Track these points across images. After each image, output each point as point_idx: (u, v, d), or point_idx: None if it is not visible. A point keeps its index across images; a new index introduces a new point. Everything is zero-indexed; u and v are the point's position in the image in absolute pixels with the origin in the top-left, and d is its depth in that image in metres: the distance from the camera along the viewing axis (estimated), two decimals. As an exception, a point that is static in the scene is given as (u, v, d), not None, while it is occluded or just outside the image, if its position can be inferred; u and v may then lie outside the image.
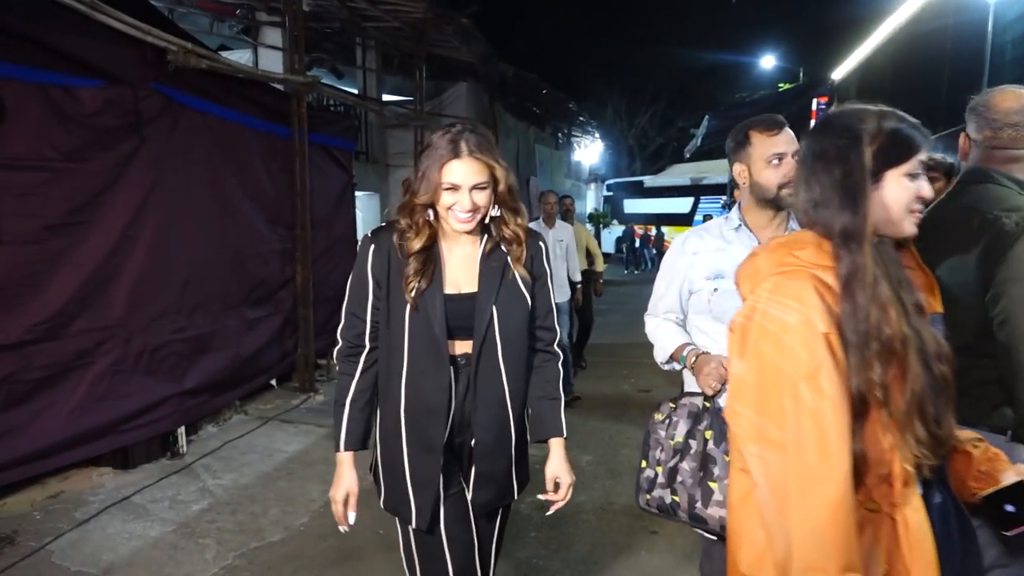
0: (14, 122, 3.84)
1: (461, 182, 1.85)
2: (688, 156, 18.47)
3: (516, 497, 2.10)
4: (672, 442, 2.08)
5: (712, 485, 1.98)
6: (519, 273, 1.98)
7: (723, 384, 2.02)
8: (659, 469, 2.09)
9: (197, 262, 5.14)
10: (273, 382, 6.43)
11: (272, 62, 8.62)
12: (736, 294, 1.95)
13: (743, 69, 28.74)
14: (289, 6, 6.60)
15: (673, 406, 2.12)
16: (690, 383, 2.25)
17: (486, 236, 1.99)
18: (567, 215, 7.22)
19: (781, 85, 23.39)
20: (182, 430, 4.90)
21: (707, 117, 13.76)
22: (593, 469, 4.87)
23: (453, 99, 11.52)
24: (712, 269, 2.25)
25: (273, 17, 8.74)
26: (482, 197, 1.88)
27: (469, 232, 1.94)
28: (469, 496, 2.02)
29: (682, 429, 2.07)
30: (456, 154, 1.85)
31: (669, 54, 29.48)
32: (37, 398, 4.01)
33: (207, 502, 4.19)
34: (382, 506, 2.06)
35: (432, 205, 1.91)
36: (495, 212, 1.96)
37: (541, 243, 2.08)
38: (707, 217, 13.38)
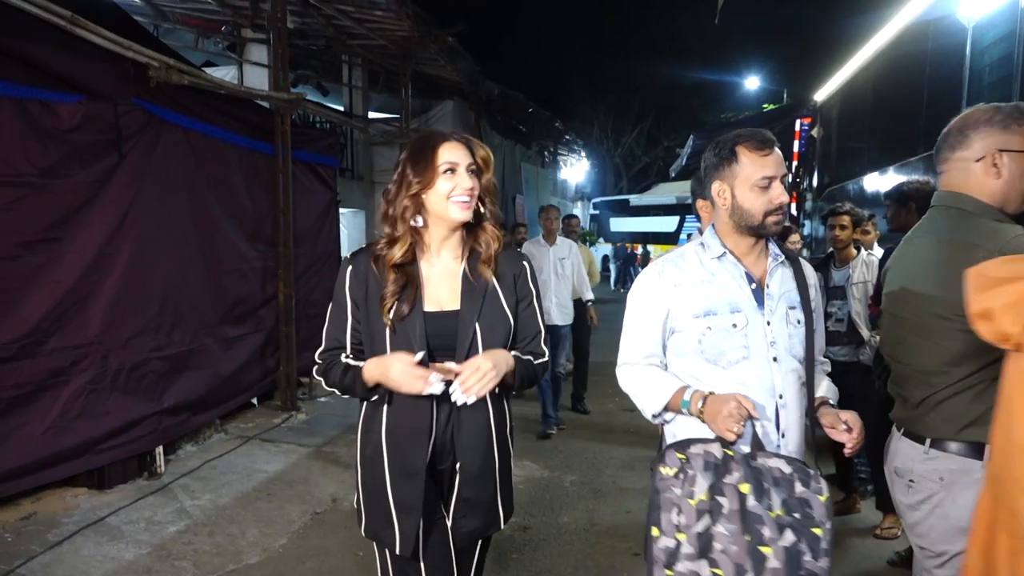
0: (-9, 137, 3.80)
1: (459, 160, 1.87)
2: (673, 175, 18.57)
3: (503, 527, 2.04)
4: (692, 501, 1.77)
5: (764, 550, 1.72)
6: (500, 291, 1.96)
7: (746, 424, 1.77)
8: (681, 536, 1.77)
9: (176, 280, 5.08)
10: (254, 401, 6.35)
11: (258, 79, 8.61)
12: (734, 333, 1.90)
13: (728, 89, 29.07)
14: (274, 23, 6.59)
15: (683, 457, 1.83)
16: (684, 430, 1.96)
17: (468, 252, 1.97)
18: (571, 236, 6.89)
19: (765, 106, 23.61)
20: (160, 450, 4.82)
21: (692, 137, 13.84)
22: (577, 490, 4.83)
23: (439, 117, 11.54)
24: (701, 305, 1.94)
25: (258, 34, 8.73)
26: (475, 181, 1.89)
27: (453, 236, 1.95)
28: (450, 523, 1.96)
29: (703, 484, 1.77)
30: (447, 138, 1.90)
31: (655, 74, 29.79)
32: (10, 417, 3.93)
33: (184, 523, 4.11)
34: (363, 532, 2.01)
35: (419, 207, 1.89)
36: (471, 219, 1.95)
37: (525, 263, 2.05)
38: (690, 236, 13.42)
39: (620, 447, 5.77)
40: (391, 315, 1.87)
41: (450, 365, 1.82)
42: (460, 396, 1.76)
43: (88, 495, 4.38)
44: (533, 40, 30.93)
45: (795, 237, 6.73)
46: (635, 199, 27.08)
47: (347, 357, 1.95)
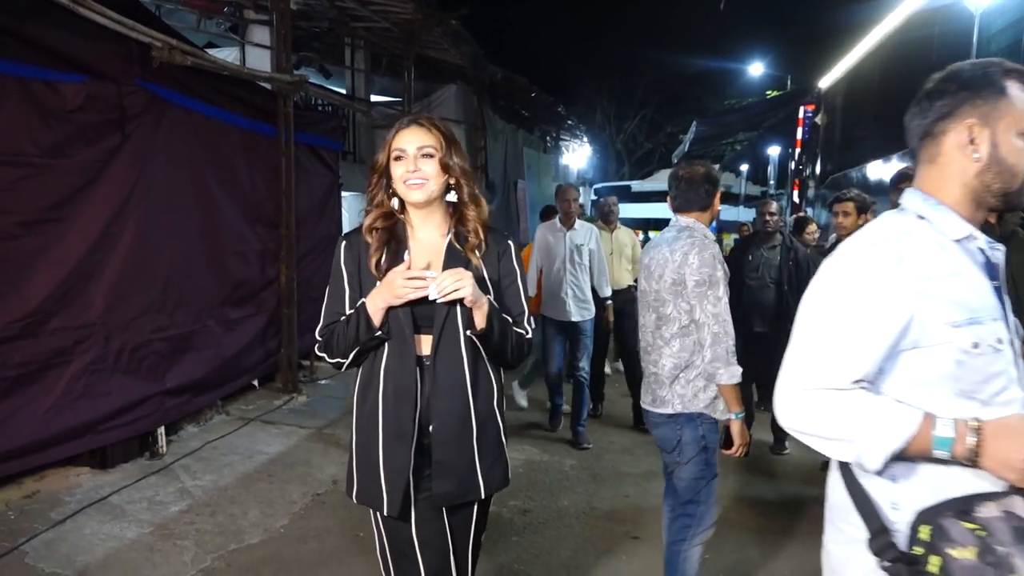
0: (-6, 116, 3.79)
1: (406, 146, 1.97)
2: (676, 161, 18.53)
3: (483, 496, 2.04)
4: None
5: None
6: (483, 269, 2.01)
7: None
8: None
9: (179, 261, 5.08)
10: (255, 382, 6.37)
11: (260, 60, 8.56)
12: (1000, 353, 1.33)
13: (731, 76, 28.92)
14: (277, 4, 6.56)
15: (976, 527, 1.24)
16: (929, 485, 1.32)
17: (454, 229, 2.05)
18: (608, 218, 6.33)
19: (769, 92, 23.52)
20: (162, 430, 4.84)
21: (695, 123, 13.83)
22: (576, 474, 4.86)
23: (442, 100, 11.48)
24: (964, 309, 1.33)
25: (261, 15, 8.67)
26: (429, 165, 1.97)
27: (431, 214, 2.03)
28: (423, 489, 1.99)
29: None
30: (403, 125, 2.01)
31: (658, 60, 29.64)
32: (13, 396, 3.95)
33: (186, 503, 4.14)
34: (354, 498, 2.04)
35: (388, 184, 2.02)
36: (452, 197, 2.03)
37: (510, 242, 2.13)
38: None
39: (619, 432, 5.79)
40: (375, 269, 1.97)
41: (430, 272, 1.89)
42: (434, 292, 1.83)
43: (91, 474, 4.41)
44: (537, 25, 30.77)
45: (812, 227, 6.69)
46: (637, 185, 27.06)
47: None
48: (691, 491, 2.90)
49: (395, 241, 2.02)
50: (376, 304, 1.91)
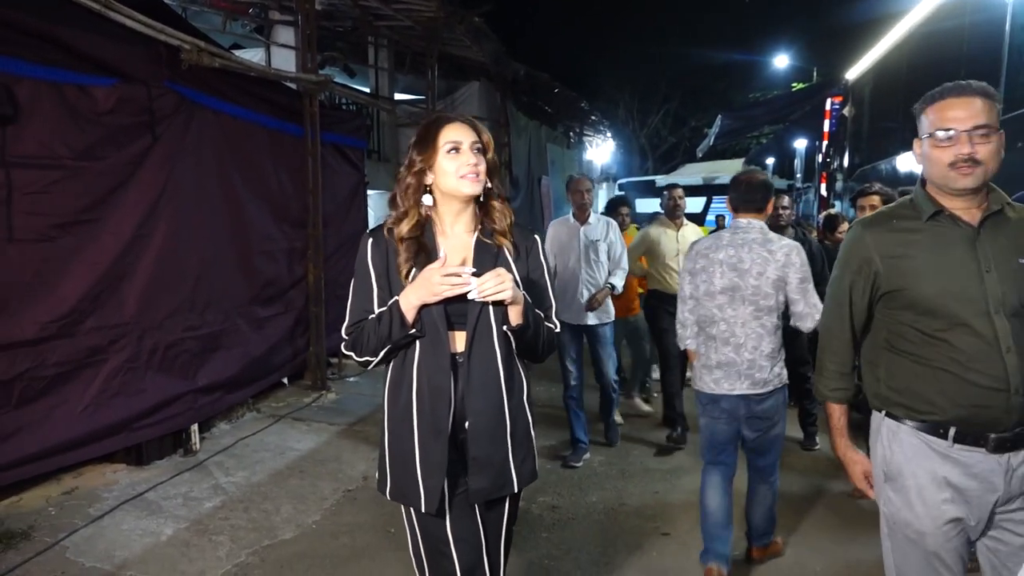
0: (27, 120, 3.86)
1: (461, 138, 1.95)
2: (700, 156, 18.40)
3: (516, 489, 2.07)
4: None
5: None
6: (512, 264, 2.02)
7: None
8: None
9: (209, 260, 5.15)
10: (285, 380, 6.44)
11: (284, 61, 8.64)
12: None
13: (756, 68, 28.58)
14: (302, 5, 6.61)
15: None
16: None
17: (480, 225, 2.04)
18: (675, 213, 5.67)
19: (795, 85, 23.28)
20: (195, 427, 4.92)
21: (720, 117, 13.72)
22: (605, 470, 4.85)
23: (465, 98, 11.51)
24: None
25: (286, 16, 8.75)
26: (480, 158, 1.97)
27: (466, 210, 2.03)
28: (461, 486, 2.01)
29: None
30: (450, 119, 1.99)
31: (681, 53, 29.35)
32: (51, 395, 4.03)
33: (220, 499, 4.20)
34: (388, 495, 2.04)
35: (426, 185, 1.98)
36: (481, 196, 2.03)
37: (536, 237, 2.13)
38: (719, 218, 13.38)
39: (648, 428, 5.77)
40: (408, 279, 1.95)
41: (467, 268, 1.88)
42: (474, 293, 1.84)
43: (127, 471, 4.49)
44: (559, 20, 30.66)
45: (844, 226, 6.51)
46: (661, 180, 26.86)
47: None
48: (779, 446, 3.44)
49: (424, 251, 1.99)
50: (410, 302, 1.90)
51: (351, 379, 6.94)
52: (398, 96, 11.09)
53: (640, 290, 6.09)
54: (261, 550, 3.65)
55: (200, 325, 5.04)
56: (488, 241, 2.03)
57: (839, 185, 12.32)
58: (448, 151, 1.95)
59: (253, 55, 9.17)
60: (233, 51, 7.09)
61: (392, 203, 2.04)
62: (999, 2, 5.30)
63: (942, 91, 1.92)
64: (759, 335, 3.20)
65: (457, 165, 1.95)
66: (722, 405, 3.28)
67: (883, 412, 2.06)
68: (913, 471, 1.97)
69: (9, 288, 3.84)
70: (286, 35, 9.05)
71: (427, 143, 1.97)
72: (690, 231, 5.73)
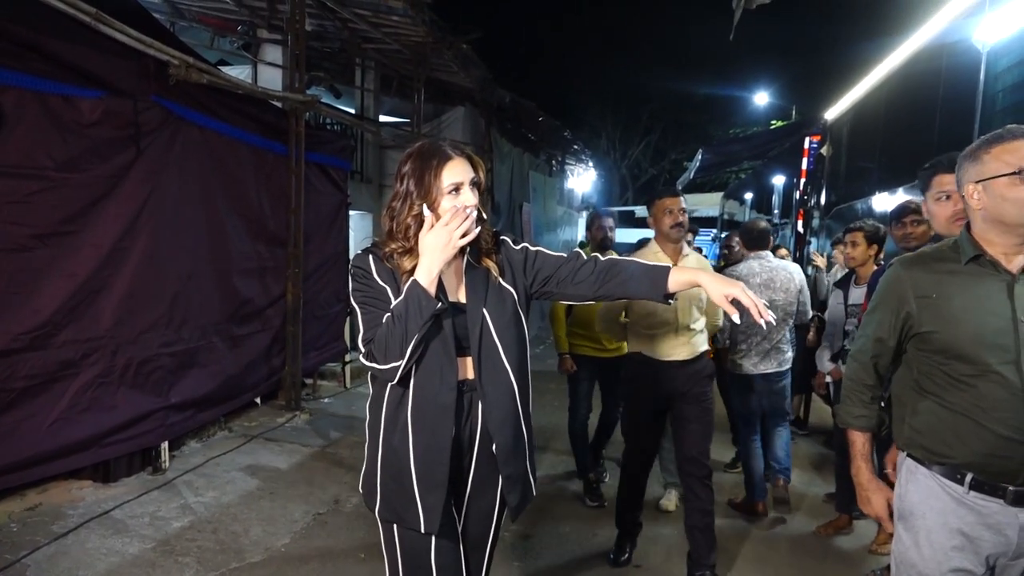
0: (11, 129, 3.82)
1: (462, 179, 1.92)
2: (680, 188, 18.61)
3: (535, 493, 2.12)
4: None
5: None
6: (502, 278, 2.03)
7: None
8: None
9: (187, 276, 5.10)
10: (258, 400, 6.37)
11: (270, 79, 8.66)
12: None
13: (737, 104, 29.11)
14: (291, 25, 6.64)
15: None
16: None
17: (468, 248, 2.01)
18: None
19: (774, 122, 23.67)
20: (165, 445, 4.84)
21: (701, 151, 13.89)
22: (579, 500, 4.84)
23: (450, 122, 11.57)
24: None
25: (274, 35, 8.78)
26: (476, 194, 1.95)
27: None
28: (466, 504, 2.06)
29: None
30: (449, 155, 1.93)
31: (664, 87, 29.83)
32: (19, 408, 3.95)
33: (188, 519, 4.13)
34: (378, 515, 2.01)
35: (421, 220, 1.92)
36: None
37: (504, 236, 2.12)
38: (698, 250, 13.47)
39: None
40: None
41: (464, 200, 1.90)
42: (767, 318, 1.93)
43: (93, 488, 4.40)
44: (545, 50, 31.04)
45: (782, 252, 6.74)
46: (640, 210, 27.13)
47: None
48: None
49: None
50: (432, 271, 1.84)
51: (325, 400, 6.88)
52: (383, 118, 11.13)
53: None
54: (228, 572, 3.59)
55: (175, 341, 4.98)
56: (476, 265, 2.02)
57: (815, 222, 12.50)
58: (450, 192, 1.91)
59: (239, 72, 9.18)
60: (220, 67, 7.09)
61: (388, 238, 1.98)
62: (974, 52, 5.45)
63: (1012, 132, 1.90)
64: (782, 331, 4.64)
65: (456, 205, 1.91)
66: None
67: (905, 452, 2.07)
68: (924, 512, 1.97)
69: (-18, 298, 3.78)
70: (273, 54, 9.08)
71: (428, 184, 1.91)
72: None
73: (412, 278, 1.86)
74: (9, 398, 3.90)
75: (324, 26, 8.58)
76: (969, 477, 1.89)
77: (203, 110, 5.21)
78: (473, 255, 2.03)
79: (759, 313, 1.92)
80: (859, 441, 2.19)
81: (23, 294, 3.96)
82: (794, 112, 21.79)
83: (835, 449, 4.56)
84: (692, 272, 2.05)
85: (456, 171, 1.92)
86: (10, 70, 3.80)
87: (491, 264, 2.02)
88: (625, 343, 4.32)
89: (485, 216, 2.03)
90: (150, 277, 4.69)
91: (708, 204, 23.42)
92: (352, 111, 10.40)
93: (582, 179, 26.21)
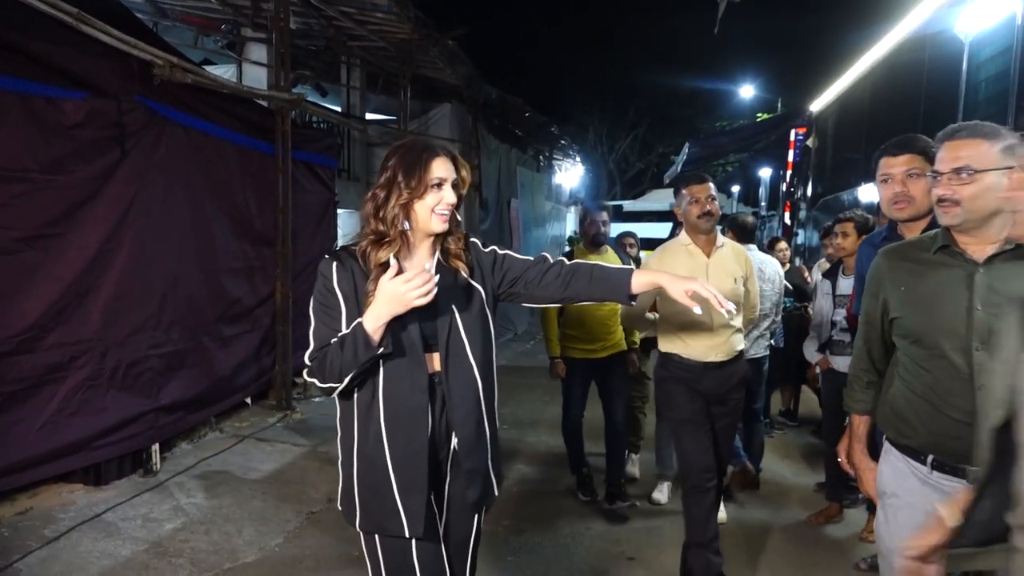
0: (-6, 131, 3.81)
1: (446, 175, 1.96)
2: (667, 182, 18.64)
3: (497, 494, 2.14)
4: None
5: None
6: (472, 278, 2.06)
7: None
8: None
9: (175, 277, 5.08)
10: (249, 400, 6.35)
11: (255, 78, 8.61)
12: None
13: (723, 98, 29.17)
14: (276, 24, 6.61)
15: None
16: None
17: (439, 248, 2.06)
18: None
19: (759, 115, 23.75)
20: (156, 447, 4.83)
21: (687, 144, 13.93)
22: (571, 493, 4.85)
23: (437, 119, 11.54)
24: None
25: (258, 33, 8.73)
26: (456, 196, 1.99)
27: (431, 238, 2.03)
28: (447, 501, 2.07)
29: None
30: (438, 152, 1.98)
31: (651, 81, 29.87)
32: (8, 412, 3.93)
33: (180, 521, 4.12)
34: (358, 527, 2.02)
35: (407, 215, 1.96)
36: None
37: (474, 239, 2.15)
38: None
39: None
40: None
41: (427, 264, 1.90)
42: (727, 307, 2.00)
43: (84, 491, 4.38)
44: (531, 45, 31.02)
45: (782, 244, 6.82)
46: (628, 205, 27.16)
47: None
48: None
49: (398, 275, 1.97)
50: (379, 318, 1.84)
51: (317, 399, 6.87)
52: (370, 116, 11.09)
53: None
54: (222, 573, 3.58)
55: (164, 342, 4.96)
56: (446, 265, 2.04)
57: (803, 214, 12.57)
58: (434, 185, 1.95)
59: (224, 71, 9.12)
60: (204, 67, 7.05)
61: (368, 225, 1.99)
62: (957, 42, 5.49)
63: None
64: (771, 319, 4.84)
65: (437, 200, 1.95)
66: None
67: (884, 433, 2.17)
68: (895, 491, 2.06)
69: (-32, 302, 3.76)
70: (258, 52, 9.02)
71: (417, 176, 1.94)
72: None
73: (359, 321, 1.87)
74: (-2, 402, 3.88)
75: (309, 24, 8.54)
76: (930, 458, 1.98)
77: (188, 110, 5.19)
78: (444, 255, 2.05)
79: (719, 303, 2.01)
80: (856, 423, 2.32)
81: (9, 297, 3.94)
82: (780, 104, 21.89)
83: (824, 439, 4.59)
84: (654, 274, 2.14)
85: (442, 167, 1.97)
86: (-8, 72, 3.77)
87: (460, 264, 2.05)
88: (636, 336, 4.62)
89: (459, 218, 2.07)
90: (137, 278, 4.67)
91: (696, 197, 23.45)
92: (338, 109, 10.36)
93: (570, 174, 26.23)
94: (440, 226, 1.98)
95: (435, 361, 2.00)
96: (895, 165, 2.57)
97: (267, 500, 4.50)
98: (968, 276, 1.93)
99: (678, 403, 3.40)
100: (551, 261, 2.16)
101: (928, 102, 6.05)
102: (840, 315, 4.31)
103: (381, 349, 1.87)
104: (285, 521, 4.22)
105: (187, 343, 5.23)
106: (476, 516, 2.14)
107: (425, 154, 1.96)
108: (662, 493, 4.72)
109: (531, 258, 2.17)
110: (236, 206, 5.96)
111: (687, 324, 3.35)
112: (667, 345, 3.48)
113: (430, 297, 1.82)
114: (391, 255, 1.93)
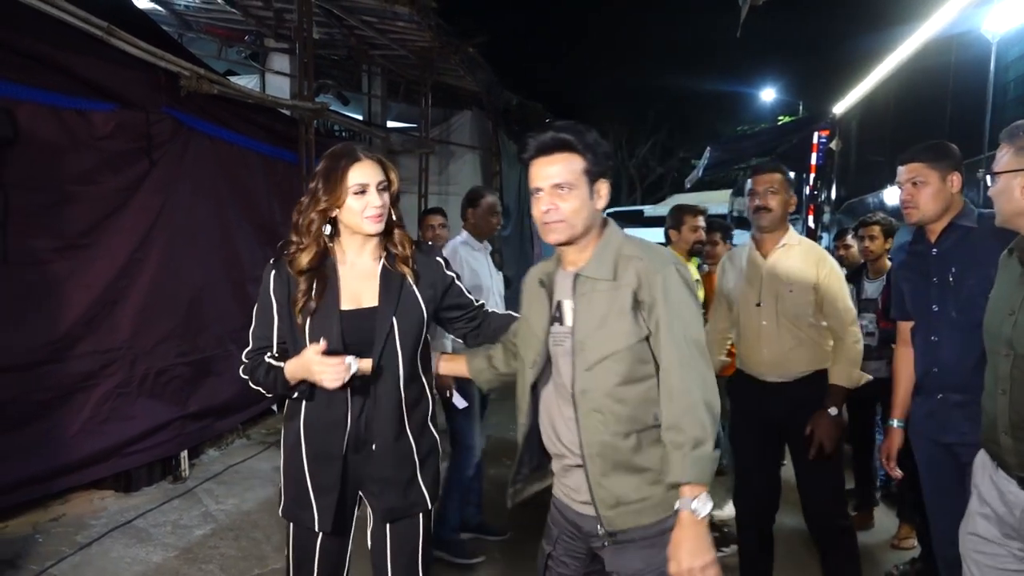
0: (26, 143, 3.87)
1: (368, 180, 1.99)
2: (688, 187, 18.55)
3: (430, 507, 2.16)
4: None
5: None
6: (416, 286, 2.10)
7: None
8: None
9: (202, 286, 5.14)
10: (275, 407, 6.39)
11: (278, 88, 8.69)
12: None
13: (743, 101, 29.03)
14: (299, 34, 6.66)
15: None
16: None
17: (385, 253, 2.10)
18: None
19: (781, 118, 23.60)
20: (184, 454, 4.88)
21: (709, 148, 13.84)
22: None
23: (457, 126, 11.56)
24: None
25: (281, 44, 8.82)
26: (385, 198, 2.03)
27: (370, 240, 2.07)
28: (371, 506, 2.13)
29: None
30: (358, 157, 2.01)
31: (669, 85, 29.76)
32: (41, 420, 4.00)
33: (209, 527, 4.16)
34: (281, 514, 2.15)
35: (329, 218, 2.02)
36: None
37: (438, 259, 2.21)
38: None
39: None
40: (302, 315, 2.01)
41: (350, 358, 1.93)
42: (345, 374, 1.90)
43: (115, 498, 4.44)
44: (550, 51, 31.09)
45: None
46: (649, 210, 27.04)
47: (271, 357, 2.07)
48: None
49: (320, 279, 2.03)
50: (293, 374, 1.98)
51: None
52: (391, 124, 11.15)
53: None
54: (252, 579, 3.61)
55: (192, 350, 5.01)
56: (392, 269, 2.08)
57: (826, 217, 12.45)
58: (355, 192, 1.99)
59: (247, 81, 9.22)
60: (228, 77, 7.13)
61: (292, 233, 2.06)
62: (984, 42, 5.43)
63: None
64: None
65: (363, 206, 1.99)
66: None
67: None
68: (974, 480, 2.09)
69: (2, 312, 3.82)
70: (280, 62, 9.11)
71: (334, 183, 1.98)
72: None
73: (284, 365, 1.98)
74: (32, 410, 3.95)
75: (331, 34, 8.61)
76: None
77: (213, 120, 5.25)
78: (389, 260, 2.09)
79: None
80: None
81: (41, 307, 4.00)
82: (801, 108, 21.74)
83: (853, 446, 4.53)
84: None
85: (363, 172, 2.00)
86: (24, 85, 3.85)
87: (406, 270, 2.09)
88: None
89: (395, 217, 2.10)
90: (165, 287, 4.72)
91: (717, 201, 23.29)
92: (360, 117, 10.43)
93: (590, 179, 26.15)
94: (373, 227, 2.02)
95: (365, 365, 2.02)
96: (904, 173, 2.60)
97: (294, 506, 4.52)
98: (1020, 277, 1.95)
99: (739, 426, 3.17)
100: (482, 310, 2.31)
101: (955, 103, 5.98)
102: (866, 319, 4.23)
103: (295, 393, 2.04)
104: (312, 527, 4.23)
105: (214, 350, 5.27)
106: (421, 520, 2.15)
107: (344, 161, 2.00)
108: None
109: (473, 299, 2.28)
110: (261, 214, 6.02)
111: (741, 334, 3.09)
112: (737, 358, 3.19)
113: (336, 384, 1.90)
114: (309, 263, 2.02)
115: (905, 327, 2.74)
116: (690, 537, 1.67)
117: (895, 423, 2.76)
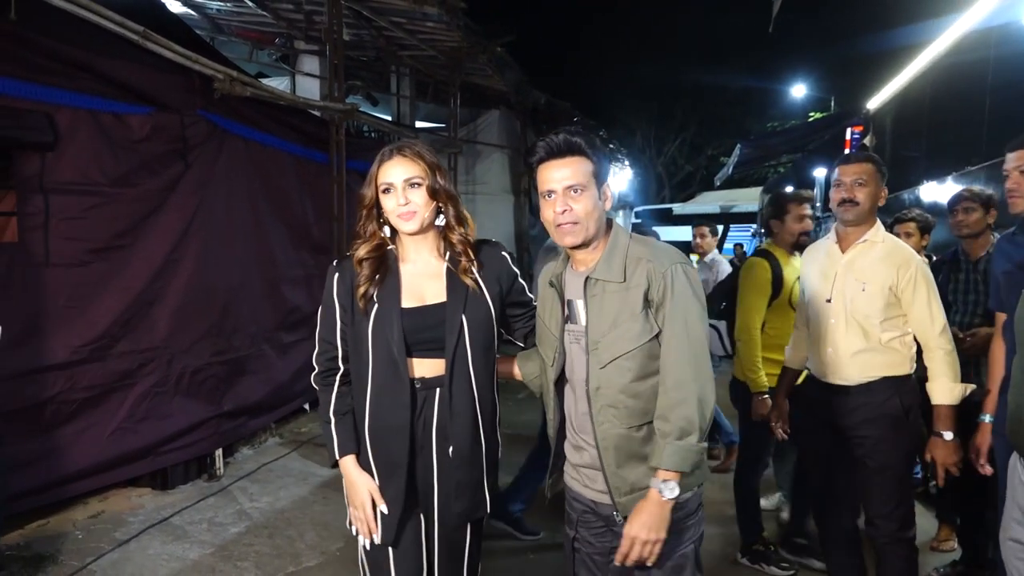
0: (66, 147, 3.95)
1: (393, 180, 1.98)
2: (718, 184, 18.39)
3: (489, 511, 2.14)
4: None
5: None
6: (483, 284, 2.06)
7: None
8: None
9: (236, 286, 5.20)
10: (307, 406, 6.45)
11: (308, 89, 8.77)
12: None
13: (773, 97, 28.68)
14: (329, 36, 6.71)
15: None
16: None
17: (448, 251, 2.08)
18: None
19: (812, 114, 23.31)
20: (219, 452, 4.93)
21: (739, 145, 13.71)
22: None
23: (486, 126, 11.59)
24: None
25: (311, 46, 8.89)
26: (418, 195, 1.99)
27: (424, 239, 2.06)
28: (436, 508, 2.07)
29: None
30: (386, 155, 2.02)
31: (698, 81, 29.54)
32: (81, 418, 4.07)
33: (244, 525, 4.20)
34: (347, 524, 2.15)
35: (379, 215, 2.04)
36: (440, 221, 2.06)
37: (504, 253, 2.17)
38: (738, 246, 13.14)
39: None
40: (363, 302, 2.00)
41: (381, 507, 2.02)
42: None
43: (152, 495, 4.50)
44: (578, 48, 31.02)
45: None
46: (678, 208, 26.86)
47: (338, 399, 2.09)
48: None
49: (384, 269, 2.04)
50: (345, 473, 2.08)
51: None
52: (420, 124, 11.20)
53: None
54: (286, 577, 3.64)
55: (227, 350, 5.07)
56: (457, 277, 2.05)
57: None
58: (383, 191, 2.00)
59: (278, 84, 9.31)
60: (259, 79, 7.20)
61: (355, 233, 2.10)
62: (1024, 32, 5.31)
63: None
64: None
65: (392, 206, 1.99)
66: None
67: None
68: (1009, 484, 2.06)
69: (43, 312, 3.90)
70: (310, 64, 9.19)
71: (368, 182, 2.04)
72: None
73: (342, 459, 2.07)
74: (71, 409, 4.02)
75: (360, 35, 8.67)
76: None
77: (246, 122, 5.30)
78: (453, 260, 2.07)
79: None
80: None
81: (81, 307, 4.08)
82: (832, 103, 21.42)
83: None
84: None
85: (387, 171, 2.00)
86: (63, 90, 3.92)
87: (467, 277, 2.05)
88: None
89: (451, 215, 2.07)
90: (201, 287, 4.78)
91: (747, 199, 23.08)
92: (389, 118, 10.48)
93: (618, 178, 26.09)
94: (405, 225, 2.01)
95: (424, 366, 2.01)
96: (1010, 160, 2.54)
97: (328, 504, 4.56)
98: None
99: (798, 427, 3.13)
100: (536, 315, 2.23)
101: (994, 97, 5.86)
102: None
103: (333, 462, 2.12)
104: (345, 525, 4.25)
105: (248, 350, 5.33)
106: (469, 527, 2.13)
107: (377, 160, 2.03)
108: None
109: (533, 298, 2.22)
110: (294, 215, 6.07)
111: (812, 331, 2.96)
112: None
113: (364, 530, 2.03)
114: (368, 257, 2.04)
115: (1001, 318, 2.67)
116: (650, 512, 1.81)
117: (986, 419, 2.64)
